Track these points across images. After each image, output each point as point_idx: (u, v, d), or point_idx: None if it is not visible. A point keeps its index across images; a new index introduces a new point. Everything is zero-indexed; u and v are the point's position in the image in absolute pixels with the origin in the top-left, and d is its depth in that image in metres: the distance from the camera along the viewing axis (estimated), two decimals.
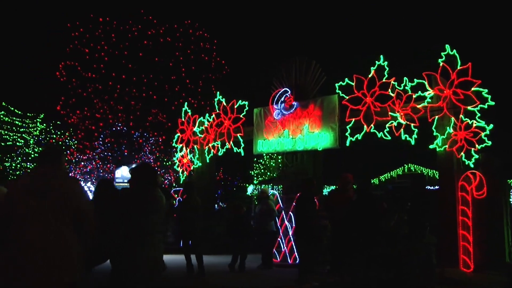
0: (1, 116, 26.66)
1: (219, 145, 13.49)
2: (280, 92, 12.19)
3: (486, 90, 8.87)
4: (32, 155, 26.72)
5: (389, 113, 10.09)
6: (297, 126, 11.84)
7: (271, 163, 34.67)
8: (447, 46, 9.37)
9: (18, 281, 3.69)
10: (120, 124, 25.16)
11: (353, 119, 10.67)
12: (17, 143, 26.78)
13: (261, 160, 35.27)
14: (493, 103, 8.84)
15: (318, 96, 11.71)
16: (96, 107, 25.19)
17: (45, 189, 3.92)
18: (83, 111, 25.19)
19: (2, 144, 26.38)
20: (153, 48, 25.88)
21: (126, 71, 25.13)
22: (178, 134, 14.76)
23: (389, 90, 10.13)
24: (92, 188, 20.98)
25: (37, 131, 27.81)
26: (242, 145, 12.97)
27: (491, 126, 8.82)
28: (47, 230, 3.82)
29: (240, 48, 41.00)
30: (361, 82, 10.55)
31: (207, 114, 14.10)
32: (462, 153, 9.06)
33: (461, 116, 9.12)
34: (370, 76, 10.45)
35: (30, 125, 27.55)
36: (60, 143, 27.09)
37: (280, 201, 11.74)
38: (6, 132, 26.61)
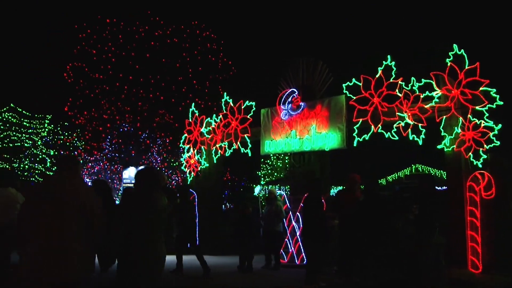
0: (9, 117, 26.84)
1: (226, 146, 13.49)
2: (287, 93, 12.18)
3: (494, 90, 8.81)
4: (40, 156, 26.86)
5: (397, 113, 10.06)
6: (304, 127, 11.83)
7: (278, 163, 34.70)
8: (455, 46, 9.32)
9: (33, 277, 4.08)
10: (127, 125, 25.24)
11: (361, 120, 10.64)
12: (25, 144, 26.95)
13: (268, 161, 35.30)
14: (501, 102, 8.78)
15: (325, 97, 11.69)
16: (103, 108, 25.33)
17: (60, 195, 4.26)
18: (90, 112, 25.34)
19: (11, 145, 26.55)
20: (160, 49, 25.99)
21: (133, 72, 25.24)
22: (185, 134, 14.78)
23: (397, 90, 10.10)
24: None
25: (45, 132, 27.97)
26: (249, 145, 12.95)
27: (500, 126, 8.77)
28: (59, 232, 4.15)
29: (247, 48, 41.08)
30: (369, 82, 10.52)
31: (214, 115, 14.11)
32: (470, 153, 9.02)
33: (469, 116, 9.07)
34: (377, 76, 10.41)
35: (38, 126, 27.71)
36: (67, 144, 27.24)
37: (287, 201, 11.74)
38: (14, 133, 26.78)
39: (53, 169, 26.88)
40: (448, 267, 7.87)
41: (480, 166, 8.94)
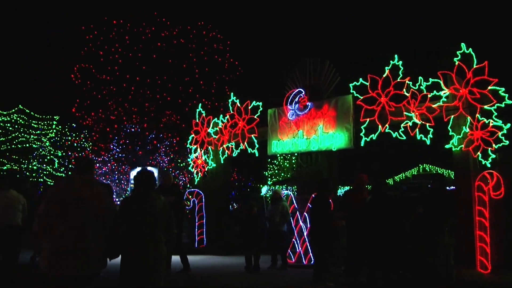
0: (18, 119, 27.00)
1: (233, 146, 13.49)
2: (294, 93, 12.16)
3: (503, 89, 8.75)
4: (48, 157, 27.00)
5: (404, 113, 10.01)
6: (312, 127, 11.80)
7: (285, 163, 34.67)
8: (463, 45, 9.27)
9: (54, 266, 4.58)
10: (134, 126, 25.32)
11: (368, 119, 10.61)
12: (33, 145, 27.09)
13: (275, 161, 35.27)
14: (510, 101, 8.73)
15: (333, 96, 11.66)
16: (110, 109, 25.41)
17: (77, 193, 4.76)
18: (97, 113, 25.44)
19: (19, 146, 26.71)
20: (167, 50, 26.02)
21: (140, 73, 25.32)
22: (193, 135, 14.80)
23: (404, 89, 10.05)
24: None
25: (53, 133, 28.10)
26: (256, 145, 12.95)
27: (509, 125, 8.71)
28: (75, 227, 4.63)
29: (254, 49, 41.08)
30: (376, 82, 10.49)
31: (221, 115, 14.11)
32: (478, 153, 8.96)
33: (477, 115, 9.02)
34: (384, 75, 10.37)
35: (46, 128, 27.85)
36: (75, 145, 27.36)
37: (294, 202, 11.71)
38: (22, 134, 26.93)
39: (61, 169, 27.04)
40: (456, 268, 7.84)
41: (489, 165, 8.89)
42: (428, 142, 9.75)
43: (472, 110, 9.11)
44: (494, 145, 8.75)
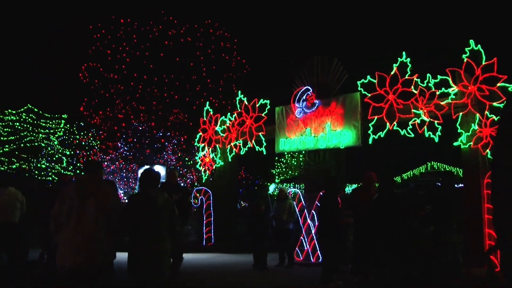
0: (27, 118, 27.15)
1: (241, 144, 13.50)
2: (302, 91, 12.15)
3: None
4: (57, 156, 27.12)
5: (412, 110, 9.98)
6: (319, 124, 11.79)
7: (293, 161, 34.61)
8: (472, 42, 9.22)
9: (67, 259, 4.92)
10: (142, 124, 25.36)
11: (376, 117, 10.58)
12: (42, 144, 27.24)
13: (282, 159, 35.22)
14: None
15: (340, 94, 11.64)
16: (118, 108, 25.48)
17: (86, 192, 5.12)
18: (105, 111, 25.52)
19: (28, 145, 26.86)
20: (174, 49, 26.04)
21: (147, 72, 25.35)
22: (200, 133, 14.83)
23: (412, 87, 10.02)
24: None
25: (61, 132, 28.23)
26: (264, 143, 12.96)
27: None
28: (85, 222, 4.98)
29: (261, 46, 41.04)
30: (384, 79, 10.45)
31: (228, 113, 14.13)
32: (487, 150, 8.92)
33: (486, 112, 8.97)
34: (392, 73, 10.34)
35: (54, 126, 27.99)
36: (83, 143, 27.47)
37: (302, 199, 11.69)
38: (31, 133, 27.08)
39: (70, 168, 27.16)
40: (465, 266, 7.80)
41: None
42: (436, 139, 9.72)
43: (481, 107, 9.06)
44: None
